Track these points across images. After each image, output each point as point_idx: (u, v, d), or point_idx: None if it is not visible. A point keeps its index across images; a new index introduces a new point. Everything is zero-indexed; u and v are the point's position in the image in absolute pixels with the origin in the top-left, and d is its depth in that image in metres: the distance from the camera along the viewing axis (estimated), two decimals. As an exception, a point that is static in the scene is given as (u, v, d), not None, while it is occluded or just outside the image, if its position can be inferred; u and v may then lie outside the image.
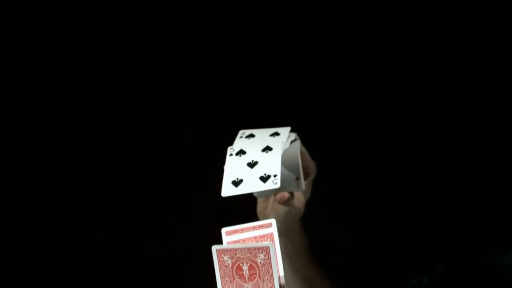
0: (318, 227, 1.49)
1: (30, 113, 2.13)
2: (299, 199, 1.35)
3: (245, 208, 1.43)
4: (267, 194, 1.36)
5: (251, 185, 1.29)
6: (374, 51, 2.06)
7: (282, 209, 1.34)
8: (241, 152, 1.32)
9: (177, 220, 2.13)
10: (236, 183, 1.29)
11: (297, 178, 1.32)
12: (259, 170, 1.30)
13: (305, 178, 1.34)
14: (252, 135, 1.35)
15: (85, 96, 2.13)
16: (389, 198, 2.07)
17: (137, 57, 2.12)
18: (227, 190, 1.28)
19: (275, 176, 1.28)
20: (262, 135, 1.35)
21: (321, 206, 1.63)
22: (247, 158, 1.31)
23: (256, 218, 1.39)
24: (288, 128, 1.36)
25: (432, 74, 2.05)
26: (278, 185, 1.25)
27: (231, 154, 1.31)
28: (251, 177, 1.30)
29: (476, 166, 2.04)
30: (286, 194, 1.32)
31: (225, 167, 1.30)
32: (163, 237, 2.14)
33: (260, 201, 1.38)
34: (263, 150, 1.31)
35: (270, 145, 1.32)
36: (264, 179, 1.28)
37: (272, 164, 1.30)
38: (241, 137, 1.35)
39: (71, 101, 2.13)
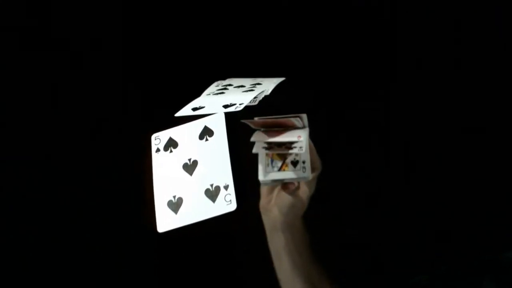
0: (319, 225, 1.49)
1: (29, 112, 2.13)
2: (304, 191, 1.35)
3: (245, 208, 1.43)
4: (272, 183, 1.32)
5: (211, 109, 1.07)
6: (375, 49, 2.07)
7: (286, 202, 1.34)
8: (172, 146, 1.10)
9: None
10: (196, 108, 1.10)
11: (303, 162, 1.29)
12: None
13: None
14: (222, 92, 1.20)
15: (87, 96, 2.13)
16: (390, 198, 2.07)
17: (135, 56, 2.13)
18: (183, 111, 1.11)
19: (240, 104, 1.11)
20: (234, 92, 1.19)
21: (322, 205, 1.63)
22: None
23: (257, 218, 1.39)
24: (270, 86, 1.24)
25: (432, 72, 2.06)
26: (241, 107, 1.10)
27: (157, 150, 1.13)
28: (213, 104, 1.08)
29: (476, 165, 2.04)
30: (293, 184, 1.31)
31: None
32: (162, 238, 2.14)
33: (263, 196, 1.37)
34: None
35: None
36: (228, 106, 1.11)
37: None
38: (209, 94, 1.21)
39: (71, 101, 2.13)
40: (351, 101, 2.07)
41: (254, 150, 1.21)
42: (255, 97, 1.17)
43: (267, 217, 1.37)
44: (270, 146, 1.22)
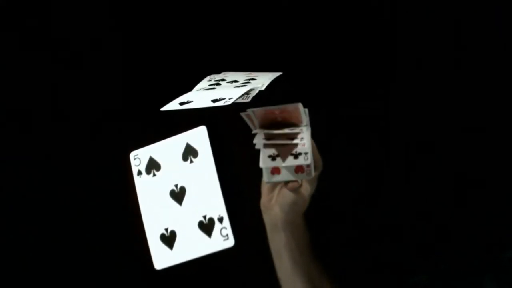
0: (319, 225, 1.49)
1: (29, 112, 2.13)
2: (306, 189, 1.34)
3: (247, 209, 1.43)
4: (276, 180, 1.30)
5: (199, 103, 1.02)
6: (375, 49, 2.06)
7: (288, 200, 1.33)
8: (154, 168, 1.03)
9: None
10: (184, 103, 1.05)
11: (308, 165, 1.28)
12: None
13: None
14: (213, 88, 1.15)
15: (87, 96, 2.13)
16: (390, 198, 2.07)
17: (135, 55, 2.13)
18: (170, 106, 1.07)
19: (230, 98, 1.06)
20: (225, 88, 1.13)
21: (322, 204, 1.63)
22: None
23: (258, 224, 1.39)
24: (265, 81, 1.18)
25: (432, 72, 2.06)
26: (229, 102, 1.06)
27: (139, 173, 1.05)
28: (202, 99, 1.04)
29: (476, 165, 2.04)
30: (297, 181, 1.30)
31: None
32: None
33: (264, 194, 1.36)
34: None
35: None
36: (216, 100, 1.06)
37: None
38: (199, 89, 1.17)
39: (71, 101, 2.13)
40: (351, 100, 2.07)
41: (256, 144, 1.19)
42: (247, 93, 1.12)
43: (268, 215, 1.36)
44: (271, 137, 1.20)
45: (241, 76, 1.19)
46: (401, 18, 2.06)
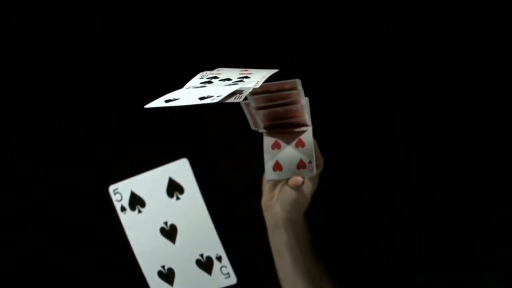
0: (319, 224, 1.49)
1: (29, 112, 2.13)
2: (308, 187, 1.34)
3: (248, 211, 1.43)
4: (278, 178, 1.29)
5: (186, 101, 0.97)
6: (375, 48, 2.06)
7: (289, 198, 1.33)
8: (138, 204, 1.01)
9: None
10: (170, 100, 1.00)
11: (310, 162, 1.28)
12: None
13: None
14: (204, 86, 1.09)
15: (87, 96, 2.13)
16: (390, 198, 2.07)
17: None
18: (155, 103, 1.02)
19: (218, 96, 1.00)
20: (216, 86, 1.07)
21: (322, 204, 1.62)
22: None
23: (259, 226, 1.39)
24: (260, 79, 1.12)
25: (432, 72, 2.06)
26: (217, 99, 1.00)
27: (123, 209, 1.05)
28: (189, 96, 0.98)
29: (476, 166, 2.04)
30: (300, 179, 1.29)
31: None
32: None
33: (265, 193, 1.36)
34: None
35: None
36: (204, 98, 1.00)
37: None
38: (188, 87, 1.10)
39: (71, 101, 2.13)
40: (352, 98, 2.07)
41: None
42: (240, 92, 1.06)
43: (269, 214, 1.36)
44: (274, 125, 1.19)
45: (234, 73, 1.15)
46: (401, 17, 2.06)
